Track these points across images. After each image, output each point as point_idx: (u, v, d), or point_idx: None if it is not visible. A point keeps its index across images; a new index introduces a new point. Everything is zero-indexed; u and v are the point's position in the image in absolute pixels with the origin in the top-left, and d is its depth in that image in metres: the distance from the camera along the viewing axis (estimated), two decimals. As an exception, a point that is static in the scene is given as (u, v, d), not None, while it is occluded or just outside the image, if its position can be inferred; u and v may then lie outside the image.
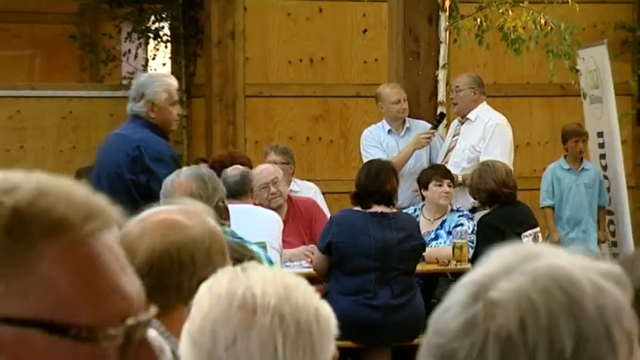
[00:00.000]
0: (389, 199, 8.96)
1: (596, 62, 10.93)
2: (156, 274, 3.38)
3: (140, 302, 1.49)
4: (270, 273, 2.48)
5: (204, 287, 2.41)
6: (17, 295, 1.39)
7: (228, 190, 7.36)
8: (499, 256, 1.56)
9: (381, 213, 8.90)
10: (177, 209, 3.68)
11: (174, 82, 8.23)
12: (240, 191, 8.45)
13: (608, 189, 11.30)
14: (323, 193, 10.56)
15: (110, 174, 8.26)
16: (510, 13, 10.05)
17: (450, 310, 1.52)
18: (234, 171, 8.75)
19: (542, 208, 11.36)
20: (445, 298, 1.54)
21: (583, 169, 11.18)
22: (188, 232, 3.35)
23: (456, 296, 1.53)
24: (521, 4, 10.14)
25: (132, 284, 1.49)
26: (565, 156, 11.17)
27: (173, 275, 3.39)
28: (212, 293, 2.36)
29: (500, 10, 10.03)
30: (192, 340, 2.33)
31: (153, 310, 1.50)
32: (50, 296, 1.40)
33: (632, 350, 1.50)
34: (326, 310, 2.40)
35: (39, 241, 1.41)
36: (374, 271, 8.83)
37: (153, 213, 3.60)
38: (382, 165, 9.29)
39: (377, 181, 8.95)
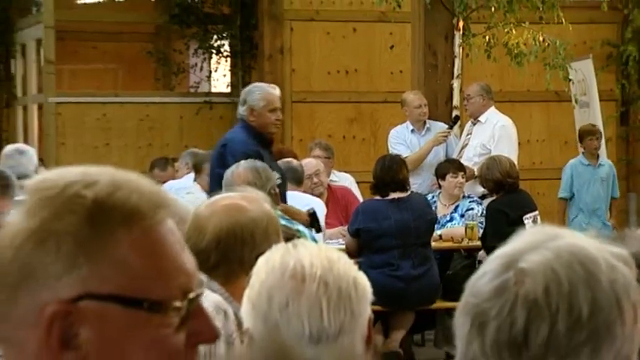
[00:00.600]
0: (402, 185, 8.93)
1: (584, 73, 10.87)
2: (222, 249, 3.41)
3: (196, 277, 1.53)
4: (316, 248, 2.45)
5: (261, 260, 2.39)
6: (99, 275, 1.44)
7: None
8: (527, 234, 1.63)
9: (398, 198, 8.88)
10: (240, 196, 3.68)
11: (274, 91, 8.16)
12: (296, 180, 8.56)
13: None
14: (357, 183, 10.54)
15: (210, 168, 8.30)
16: (514, 32, 9.95)
17: (485, 277, 1.58)
18: (290, 163, 8.80)
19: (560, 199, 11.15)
20: (468, 269, 1.65)
21: (600, 164, 10.97)
22: (249, 214, 3.34)
23: (490, 266, 1.60)
24: (523, 24, 10.03)
25: (190, 262, 1.53)
26: (583, 153, 10.92)
27: (236, 250, 3.40)
28: (268, 265, 2.34)
29: (506, 30, 9.93)
30: (252, 304, 2.32)
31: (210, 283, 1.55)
32: (126, 276, 1.46)
33: (636, 319, 1.55)
34: (363, 279, 2.37)
35: (117, 229, 1.47)
36: (396, 248, 8.82)
37: (220, 198, 3.67)
38: (393, 158, 9.26)
39: (391, 172, 8.93)
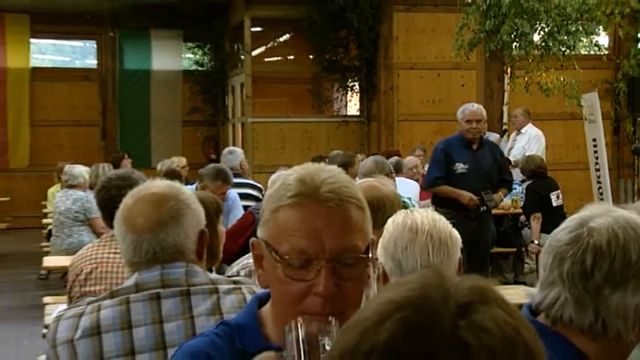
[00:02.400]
0: None
1: (591, 101, 10.49)
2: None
3: (330, 245, 1.37)
4: (424, 212, 2.36)
5: (390, 220, 2.31)
6: (266, 231, 1.43)
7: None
8: (594, 207, 1.60)
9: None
10: (376, 180, 3.50)
11: (471, 108, 6.83)
12: (398, 170, 8.42)
13: (599, 177, 10.76)
14: None
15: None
16: (544, 75, 9.70)
17: (565, 229, 1.57)
18: (395, 159, 8.50)
19: None
20: (556, 227, 1.59)
21: None
22: (383, 191, 3.16)
23: (569, 223, 1.58)
24: (550, 70, 9.76)
25: (322, 235, 1.37)
26: None
27: (377, 215, 3.37)
28: (394, 223, 2.27)
29: (538, 73, 9.71)
30: (384, 248, 2.25)
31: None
32: (276, 231, 1.41)
33: None
34: (455, 232, 2.29)
35: (280, 207, 1.40)
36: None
37: (364, 181, 3.51)
38: None
39: None
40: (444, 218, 2.33)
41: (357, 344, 0.77)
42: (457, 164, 6.57)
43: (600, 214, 1.55)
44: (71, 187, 7.90)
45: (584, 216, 1.56)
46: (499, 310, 0.79)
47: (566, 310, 1.50)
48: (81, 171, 8.05)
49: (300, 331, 1.24)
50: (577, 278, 1.49)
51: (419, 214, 2.30)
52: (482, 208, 6.58)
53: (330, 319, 1.26)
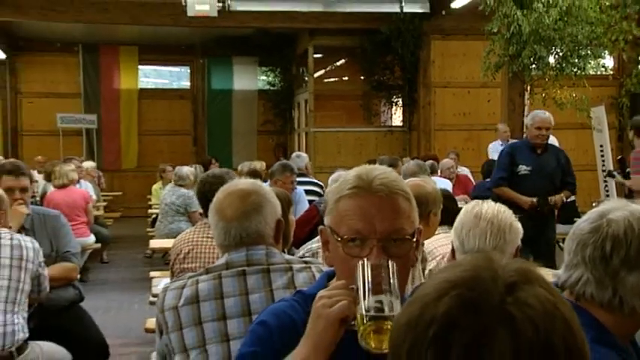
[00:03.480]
0: None
1: (599, 114, 10.33)
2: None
3: (381, 228, 1.37)
4: (492, 203, 2.34)
5: (465, 207, 2.29)
6: (330, 218, 1.45)
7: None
8: (612, 202, 1.57)
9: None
10: (420, 179, 3.43)
11: (542, 115, 6.01)
12: (434, 171, 8.36)
13: (607, 189, 10.38)
14: (471, 172, 10.22)
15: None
16: (558, 92, 9.44)
17: (587, 220, 1.54)
18: (431, 161, 8.53)
19: None
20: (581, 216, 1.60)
21: None
22: (426, 188, 3.13)
23: (590, 215, 1.55)
24: (564, 87, 9.52)
25: (374, 220, 1.37)
26: None
27: (421, 207, 3.30)
28: (466, 210, 2.25)
29: (554, 90, 9.43)
30: (454, 229, 2.26)
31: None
32: (338, 218, 1.42)
33: None
34: (517, 224, 2.25)
35: (341, 198, 1.41)
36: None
37: (410, 180, 3.28)
38: None
39: None
40: (510, 211, 2.28)
41: (420, 315, 0.77)
42: (520, 166, 5.99)
43: (618, 208, 1.52)
44: (178, 185, 8.06)
45: (604, 209, 1.53)
46: (540, 288, 0.78)
47: (588, 288, 1.48)
48: (187, 173, 8.20)
49: (366, 263, 1.28)
50: (598, 262, 1.47)
51: (487, 205, 2.27)
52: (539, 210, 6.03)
53: (388, 260, 1.30)
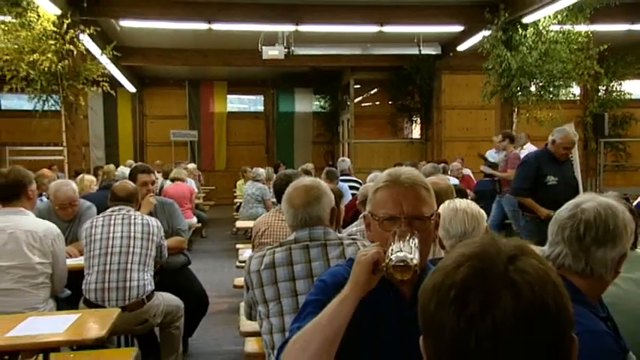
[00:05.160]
0: None
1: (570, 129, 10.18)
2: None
3: (407, 210, 1.35)
4: (461, 199, 2.21)
5: (442, 206, 2.11)
6: (369, 206, 1.42)
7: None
8: (585, 196, 1.51)
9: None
10: (437, 177, 3.16)
11: (573, 138, 4.85)
12: (444, 171, 8.00)
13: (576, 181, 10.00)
14: (472, 172, 10.03)
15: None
16: (539, 112, 9.22)
17: (565, 209, 1.49)
18: (441, 164, 8.23)
19: None
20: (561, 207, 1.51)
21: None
22: (441, 185, 2.78)
23: (567, 206, 1.50)
24: (543, 109, 9.26)
25: (402, 205, 1.35)
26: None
27: (439, 198, 2.78)
28: (444, 206, 2.11)
29: (535, 111, 9.26)
30: (442, 217, 2.05)
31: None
32: (375, 205, 1.41)
33: (630, 234, 1.45)
34: (482, 211, 2.12)
35: (377, 189, 1.39)
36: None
37: (430, 178, 2.79)
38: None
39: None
40: (474, 203, 2.18)
41: (442, 280, 0.76)
42: (548, 177, 4.85)
43: (589, 199, 1.49)
44: (256, 180, 8.12)
45: (578, 201, 1.49)
46: (534, 260, 0.77)
47: (567, 260, 1.45)
48: (262, 173, 8.31)
49: (397, 232, 1.30)
50: (574, 240, 1.44)
51: (458, 201, 2.18)
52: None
53: (412, 231, 1.31)
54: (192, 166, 11.13)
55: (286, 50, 9.95)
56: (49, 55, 7.17)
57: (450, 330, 0.72)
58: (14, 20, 6.93)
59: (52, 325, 2.35)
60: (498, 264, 0.75)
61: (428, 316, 0.75)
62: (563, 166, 4.97)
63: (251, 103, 16.69)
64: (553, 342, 0.71)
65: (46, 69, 7.15)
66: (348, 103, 13.74)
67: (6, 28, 6.95)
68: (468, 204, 2.14)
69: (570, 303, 0.76)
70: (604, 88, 12.68)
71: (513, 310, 0.71)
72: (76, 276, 3.22)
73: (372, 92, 14.56)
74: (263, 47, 9.78)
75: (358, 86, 13.88)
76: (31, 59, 7.07)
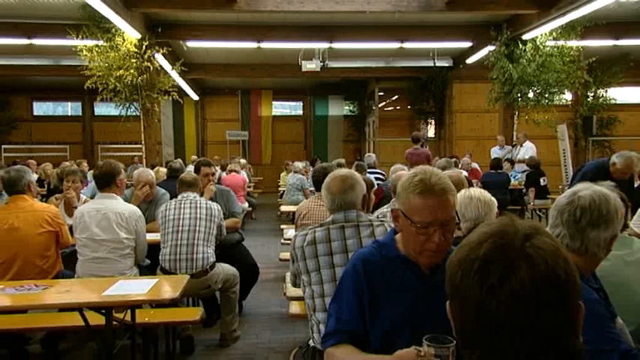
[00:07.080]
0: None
1: (562, 130, 9.67)
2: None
3: (441, 217, 1.31)
4: (476, 188, 2.09)
5: (459, 194, 1.96)
6: (402, 205, 1.35)
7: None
8: (582, 185, 1.45)
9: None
10: (452, 171, 3.01)
11: (629, 162, 4.07)
12: (456, 165, 7.75)
13: (566, 170, 9.43)
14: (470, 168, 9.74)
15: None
16: (536, 115, 8.98)
17: (564, 196, 1.44)
18: (453, 159, 7.92)
19: None
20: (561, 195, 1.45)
21: None
22: (454, 177, 2.60)
23: (566, 193, 1.45)
24: (540, 112, 8.98)
25: (437, 213, 1.31)
26: None
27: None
28: (460, 194, 1.98)
29: (533, 114, 9.00)
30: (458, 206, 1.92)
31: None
32: (410, 209, 1.35)
33: (621, 218, 1.41)
34: (493, 198, 2.04)
35: (412, 195, 1.33)
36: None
37: (446, 172, 2.64)
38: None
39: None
40: (486, 191, 2.09)
41: (467, 254, 0.75)
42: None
43: (585, 188, 1.44)
44: (296, 173, 8.13)
45: (576, 189, 1.45)
46: (547, 238, 0.75)
47: (565, 240, 1.40)
48: (301, 166, 8.35)
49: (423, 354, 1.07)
50: (571, 223, 1.40)
51: (473, 190, 2.10)
52: None
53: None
54: (243, 160, 11.26)
55: (322, 64, 9.93)
56: (132, 71, 7.66)
57: (474, 296, 0.71)
58: (105, 44, 7.46)
59: (137, 287, 2.43)
60: (516, 241, 0.73)
61: (454, 284, 0.74)
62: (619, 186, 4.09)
63: (292, 108, 16.69)
64: (562, 307, 0.70)
65: (129, 82, 7.67)
66: (374, 107, 13.63)
67: (99, 50, 7.48)
68: (481, 192, 2.07)
69: (578, 275, 0.73)
70: (592, 94, 12.30)
71: (529, 279, 0.69)
72: (154, 249, 3.34)
73: (393, 98, 14.34)
74: (302, 61, 9.80)
75: (382, 93, 13.73)
76: (118, 75, 7.60)
